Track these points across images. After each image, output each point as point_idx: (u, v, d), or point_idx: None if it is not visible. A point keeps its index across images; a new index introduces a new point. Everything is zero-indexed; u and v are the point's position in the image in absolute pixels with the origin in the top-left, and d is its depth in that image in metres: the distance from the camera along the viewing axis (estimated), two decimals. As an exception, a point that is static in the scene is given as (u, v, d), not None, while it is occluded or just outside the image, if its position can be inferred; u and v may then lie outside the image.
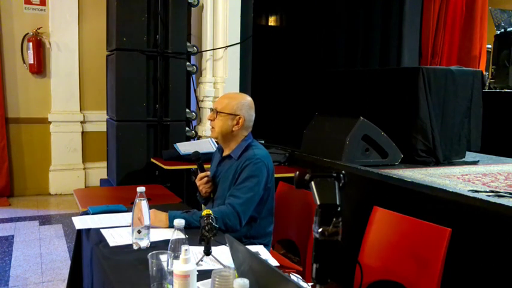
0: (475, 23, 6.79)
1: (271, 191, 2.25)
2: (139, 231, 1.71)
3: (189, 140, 4.44)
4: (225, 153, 2.28)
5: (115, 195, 3.17)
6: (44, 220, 4.59)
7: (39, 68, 5.35)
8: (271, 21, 6.09)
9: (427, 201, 2.58)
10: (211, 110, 2.23)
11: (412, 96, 3.66)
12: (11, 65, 5.30)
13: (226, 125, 2.17)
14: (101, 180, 4.95)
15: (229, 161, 2.25)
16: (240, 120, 2.17)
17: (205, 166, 2.42)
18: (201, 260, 1.59)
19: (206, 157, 2.53)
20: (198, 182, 2.31)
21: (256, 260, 1.23)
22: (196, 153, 2.36)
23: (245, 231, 2.16)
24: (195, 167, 2.36)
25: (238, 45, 4.69)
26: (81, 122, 5.65)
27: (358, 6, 5.86)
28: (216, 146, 2.51)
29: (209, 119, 2.23)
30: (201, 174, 2.30)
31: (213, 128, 2.21)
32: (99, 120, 5.51)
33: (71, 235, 4.05)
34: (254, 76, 4.99)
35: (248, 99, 2.26)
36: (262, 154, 2.18)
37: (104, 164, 4.88)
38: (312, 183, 1.12)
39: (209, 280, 1.29)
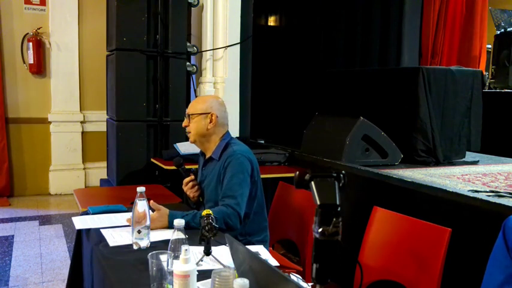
0: (475, 23, 6.78)
1: (259, 184, 2.25)
2: (139, 231, 1.71)
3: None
4: (207, 155, 2.29)
5: (115, 195, 3.18)
6: (44, 220, 4.58)
7: (39, 68, 5.35)
8: (271, 21, 6.09)
9: (427, 201, 2.58)
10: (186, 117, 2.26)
11: (412, 96, 3.66)
12: (11, 65, 5.30)
13: (200, 125, 2.20)
14: (101, 180, 4.95)
15: (211, 163, 2.26)
16: (213, 117, 2.20)
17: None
18: (201, 260, 1.59)
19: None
20: (184, 188, 2.31)
21: (256, 260, 1.23)
22: (177, 159, 2.37)
23: (240, 229, 2.16)
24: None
25: (238, 45, 4.70)
26: (81, 122, 5.65)
27: (358, 6, 5.86)
28: None
29: (184, 126, 2.25)
30: (185, 180, 2.31)
31: (189, 132, 2.24)
32: (99, 120, 5.51)
33: (71, 235, 4.05)
34: (254, 76, 4.99)
35: (218, 98, 2.32)
36: (242, 150, 2.19)
37: (104, 164, 4.88)
38: (312, 183, 1.12)
39: (209, 280, 1.29)
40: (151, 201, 1.95)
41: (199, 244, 1.60)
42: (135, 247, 1.73)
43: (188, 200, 2.39)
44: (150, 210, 1.81)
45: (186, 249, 1.26)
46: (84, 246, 2.08)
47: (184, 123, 2.26)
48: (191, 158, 3.21)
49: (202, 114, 2.20)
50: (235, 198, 2.07)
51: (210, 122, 2.20)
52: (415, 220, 1.90)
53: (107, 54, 4.51)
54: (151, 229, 1.77)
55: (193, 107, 2.24)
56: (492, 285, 1.39)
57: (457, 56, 6.85)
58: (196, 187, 2.30)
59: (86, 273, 2.03)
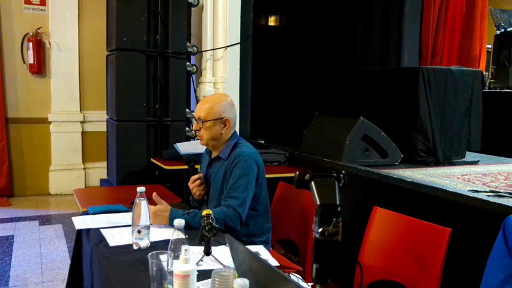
0: (475, 23, 6.78)
1: (264, 186, 2.24)
2: (139, 231, 1.71)
3: (189, 140, 4.44)
4: (214, 155, 2.27)
5: (115, 195, 3.17)
6: (44, 220, 4.58)
7: (39, 68, 5.35)
8: (271, 21, 6.09)
9: (427, 201, 2.58)
10: (195, 119, 2.19)
11: (412, 96, 3.66)
12: (11, 65, 5.30)
13: (214, 131, 2.15)
14: (101, 180, 4.96)
15: (218, 162, 2.24)
16: (227, 122, 2.17)
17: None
18: (201, 260, 1.59)
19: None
20: (190, 185, 2.29)
21: (256, 260, 1.23)
22: (187, 156, 2.35)
23: (244, 230, 2.16)
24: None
25: (238, 45, 4.70)
26: (81, 122, 5.64)
27: (358, 6, 5.86)
28: None
29: (195, 129, 2.19)
30: (193, 177, 2.28)
31: (200, 136, 2.18)
32: (99, 120, 5.51)
33: (71, 235, 4.05)
34: (254, 76, 4.99)
35: (228, 98, 2.23)
36: (250, 151, 2.18)
37: (104, 164, 4.88)
38: (312, 183, 1.12)
39: (209, 280, 1.29)
40: (154, 194, 1.95)
41: (199, 244, 1.60)
42: (135, 247, 1.73)
43: (191, 197, 2.38)
44: (152, 205, 1.81)
45: (186, 249, 1.26)
46: (84, 246, 2.08)
47: (195, 127, 2.17)
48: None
49: (216, 120, 2.14)
50: (239, 199, 2.07)
51: (224, 126, 2.16)
52: (415, 220, 1.90)
53: (107, 54, 4.51)
54: (151, 224, 1.77)
55: (205, 112, 2.14)
56: (492, 285, 1.39)
57: (457, 56, 6.85)
58: (203, 186, 2.29)
59: (86, 273, 2.02)
